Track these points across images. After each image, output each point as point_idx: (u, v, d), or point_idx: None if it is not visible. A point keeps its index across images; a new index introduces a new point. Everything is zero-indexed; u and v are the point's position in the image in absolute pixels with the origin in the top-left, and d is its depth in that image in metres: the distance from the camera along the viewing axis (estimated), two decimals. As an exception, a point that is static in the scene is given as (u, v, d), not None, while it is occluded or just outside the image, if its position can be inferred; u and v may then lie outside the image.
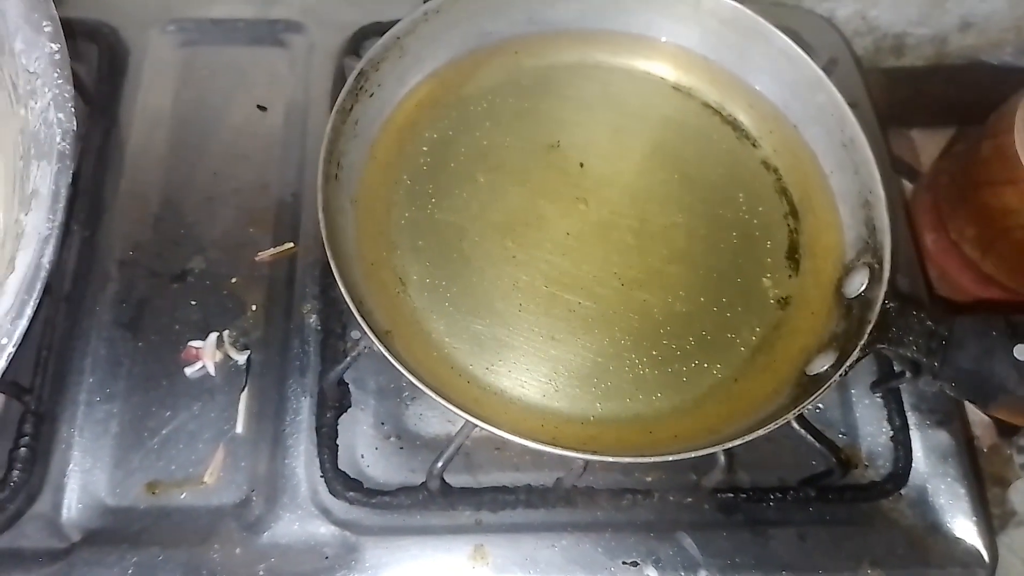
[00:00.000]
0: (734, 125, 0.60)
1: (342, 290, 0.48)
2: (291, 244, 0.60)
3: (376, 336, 0.47)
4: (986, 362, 0.44)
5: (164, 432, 0.54)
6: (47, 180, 0.45)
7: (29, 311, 0.42)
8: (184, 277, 0.58)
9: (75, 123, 0.46)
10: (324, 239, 0.49)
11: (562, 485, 0.52)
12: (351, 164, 0.55)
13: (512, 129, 0.59)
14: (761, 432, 0.45)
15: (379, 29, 0.67)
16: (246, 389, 0.55)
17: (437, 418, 0.56)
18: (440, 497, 0.52)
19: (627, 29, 0.62)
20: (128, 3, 0.69)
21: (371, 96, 0.56)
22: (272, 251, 0.60)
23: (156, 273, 0.58)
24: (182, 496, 0.52)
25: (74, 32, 0.60)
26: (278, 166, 0.63)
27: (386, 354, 0.46)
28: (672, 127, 0.60)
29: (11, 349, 0.41)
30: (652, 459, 0.46)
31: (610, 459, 0.46)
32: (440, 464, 0.49)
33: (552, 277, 0.55)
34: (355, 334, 0.58)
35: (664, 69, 0.62)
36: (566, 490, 0.53)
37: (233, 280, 0.59)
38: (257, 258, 0.60)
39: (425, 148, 0.59)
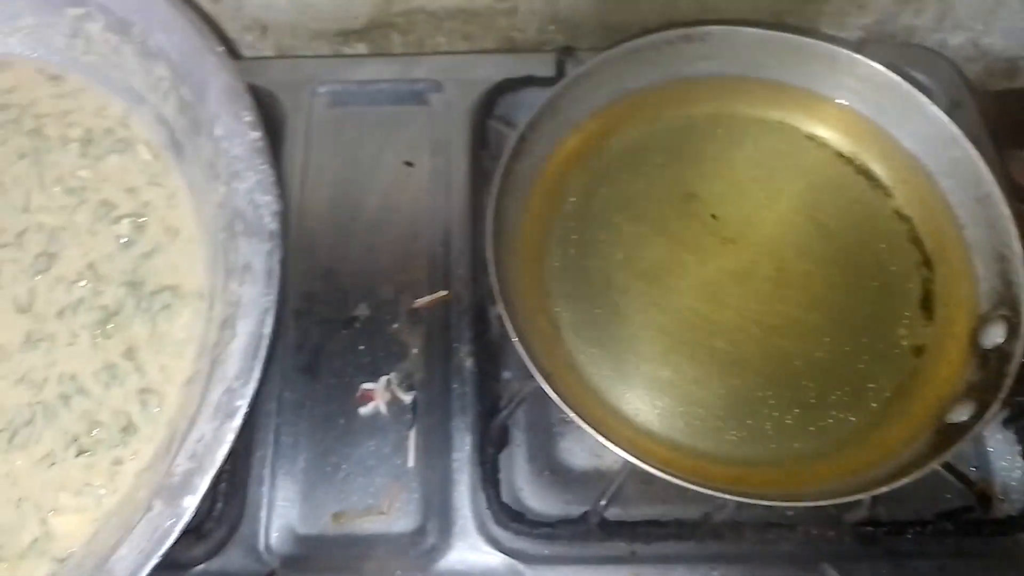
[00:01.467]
0: (867, 175, 0.63)
1: (513, 336, 0.53)
2: (445, 291, 0.65)
3: (542, 377, 0.52)
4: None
5: (345, 467, 0.60)
6: (260, 257, 0.51)
7: (257, 374, 0.48)
8: (352, 324, 0.64)
9: (280, 205, 0.52)
10: (496, 292, 0.54)
11: (711, 520, 0.57)
12: (509, 219, 0.60)
13: (652, 179, 0.64)
14: (909, 479, 0.49)
15: (511, 86, 0.73)
16: (414, 427, 0.61)
17: (585, 452, 0.61)
18: (598, 529, 0.57)
19: (762, 78, 0.65)
20: (280, 69, 0.75)
21: (527, 155, 0.61)
22: (428, 298, 0.65)
23: (327, 320, 0.64)
24: (364, 525, 0.58)
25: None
26: (428, 217, 0.68)
27: (552, 396, 0.51)
28: (806, 176, 0.64)
29: (245, 410, 0.47)
30: (803, 504, 0.50)
31: (764, 503, 0.50)
32: (604, 502, 0.54)
33: (694, 323, 0.59)
34: (507, 375, 0.63)
35: (798, 119, 0.65)
36: (714, 524, 0.57)
37: (395, 326, 0.64)
38: (415, 305, 0.65)
39: (572, 199, 0.63)
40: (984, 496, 0.56)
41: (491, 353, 0.63)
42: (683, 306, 0.60)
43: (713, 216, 0.62)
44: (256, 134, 0.54)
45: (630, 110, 0.65)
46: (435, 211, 0.69)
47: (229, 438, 0.46)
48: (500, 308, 0.54)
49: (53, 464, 0.52)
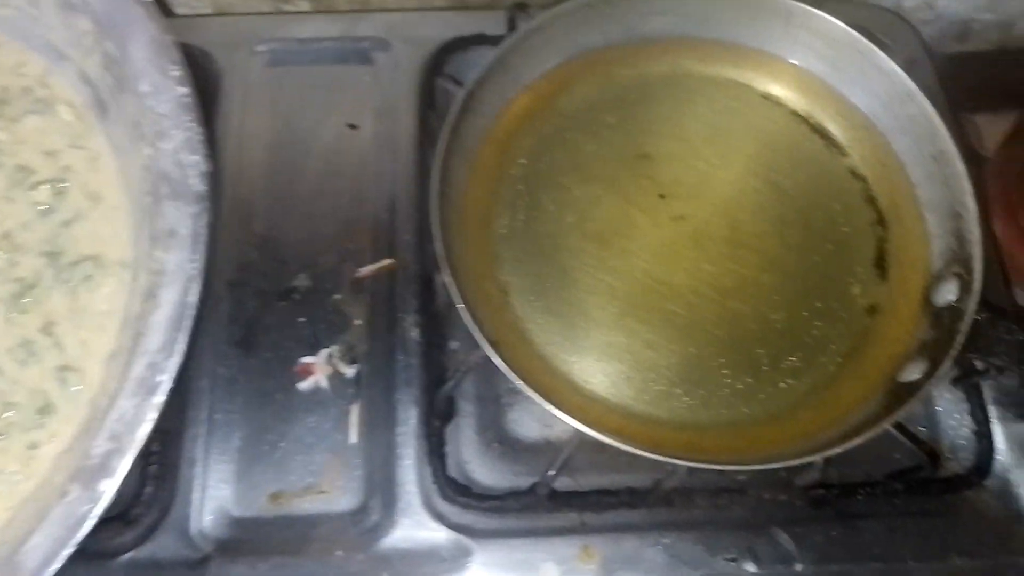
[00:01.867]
0: (822, 134, 0.62)
1: (458, 303, 0.50)
2: (390, 260, 0.63)
3: (489, 346, 0.49)
4: (1075, 373, 0.46)
5: (283, 445, 0.57)
6: (186, 221, 0.48)
7: (181, 347, 0.45)
8: (290, 295, 0.61)
9: (208, 165, 0.49)
10: (441, 255, 0.52)
11: (662, 487, 0.55)
12: (456, 180, 0.57)
13: (605, 139, 0.61)
14: (860, 440, 0.48)
15: (461, 44, 0.70)
16: (357, 401, 0.59)
17: (535, 422, 0.59)
18: (547, 500, 0.55)
19: (717, 36, 0.63)
20: (217, 27, 0.71)
21: (474, 113, 0.58)
22: (372, 267, 0.62)
23: (264, 292, 0.61)
24: (303, 505, 0.56)
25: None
26: (372, 182, 0.65)
27: (500, 364, 0.49)
28: (761, 136, 0.62)
29: (168, 385, 0.44)
30: (755, 467, 0.49)
31: (716, 467, 0.49)
32: (552, 472, 0.52)
33: (647, 286, 0.58)
34: (454, 345, 0.61)
35: (752, 78, 0.63)
36: (665, 491, 0.56)
37: (337, 296, 0.61)
38: (358, 274, 0.62)
39: (522, 160, 0.61)
40: (933, 455, 0.55)
41: (438, 323, 0.61)
42: (635, 269, 0.58)
43: (671, 175, 0.60)
44: (183, 90, 0.51)
45: (582, 69, 0.63)
46: (380, 176, 0.66)
47: (151, 416, 0.43)
48: (445, 274, 0.51)
49: (-37, 449, 0.49)
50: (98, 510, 0.41)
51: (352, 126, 0.68)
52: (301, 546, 0.54)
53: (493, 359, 0.49)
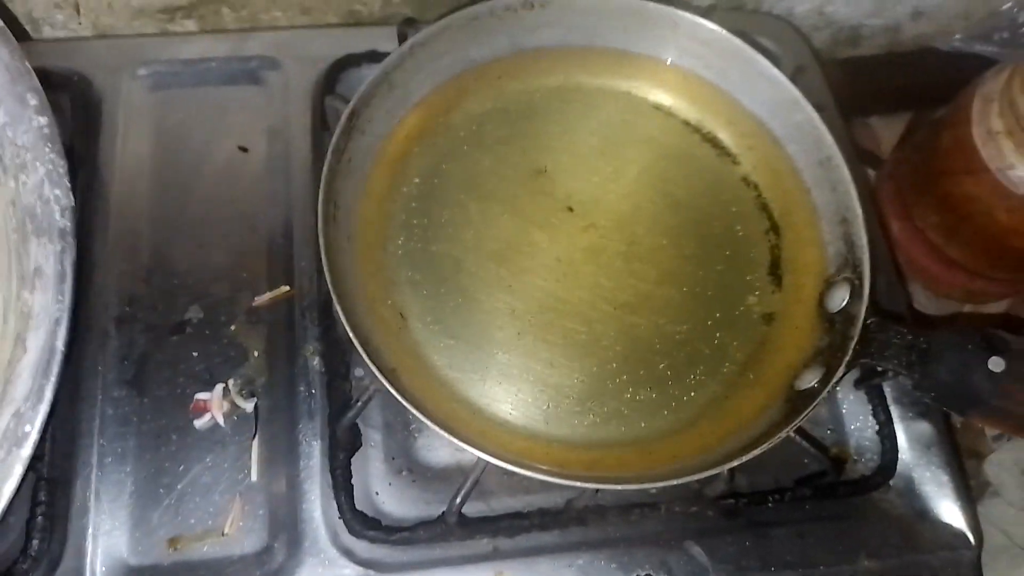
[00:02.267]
0: (714, 142, 0.62)
1: (349, 332, 0.49)
2: (287, 287, 0.61)
3: (383, 375, 0.48)
4: (963, 374, 0.47)
5: (179, 487, 0.55)
6: (50, 260, 0.45)
7: (48, 395, 0.42)
8: (183, 328, 0.59)
9: (72, 199, 0.46)
10: (329, 282, 0.50)
11: (573, 506, 0.55)
12: (346, 203, 0.56)
13: (500, 155, 0.61)
14: (760, 450, 0.48)
15: (353, 61, 0.68)
16: (256, 436, 0.56)
17: (446, 447, 0.58)
18: (458, 528, 0.54)
19: (606, 47, 0.63)
20: (96, 50, 0.68)
21: (362, 133, 0.57)
22: (269, 295, 0.60)
23: (154, 326, 0.59)
24: (204, 549, 0.53)
25: (46, 83, 0.59)
26: (266, 207, 0.63)
27: (395, 394, 0.48)
28: (654, 147, 0.62)
29: (35, 436, 0.41)
30: (660, 484, 0.48)
31: (619, 487, 0.48)
32: (459, 500, 0.51)
33: (546, 304, 0.57)
34: (359, 372, 0.59)
35: (643, 88, 0.64)
36: (577, 511, 0.55)
37: (232, 327, 0.59)
38: (254, 303, 0.60)
39: (416, 180, 0.60)
40: (837, 459, 0.56)
41: (340, 351, 0.59)
42: (534, 287, 0.57)
43: (566, 190, 0.60)
44: (43, 119, 0.48)
45: (473, 83, 0.62)
46: (274, 199, 0.64)
47: (18, 470, 0.41)
48: (336, 302, 0.50)
49: None
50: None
51: (243, 149, 0.66)
52: (202, 593, 0.52)
53: (388, 388, 0.48)
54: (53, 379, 0.43)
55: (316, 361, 0.58)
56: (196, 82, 0.67)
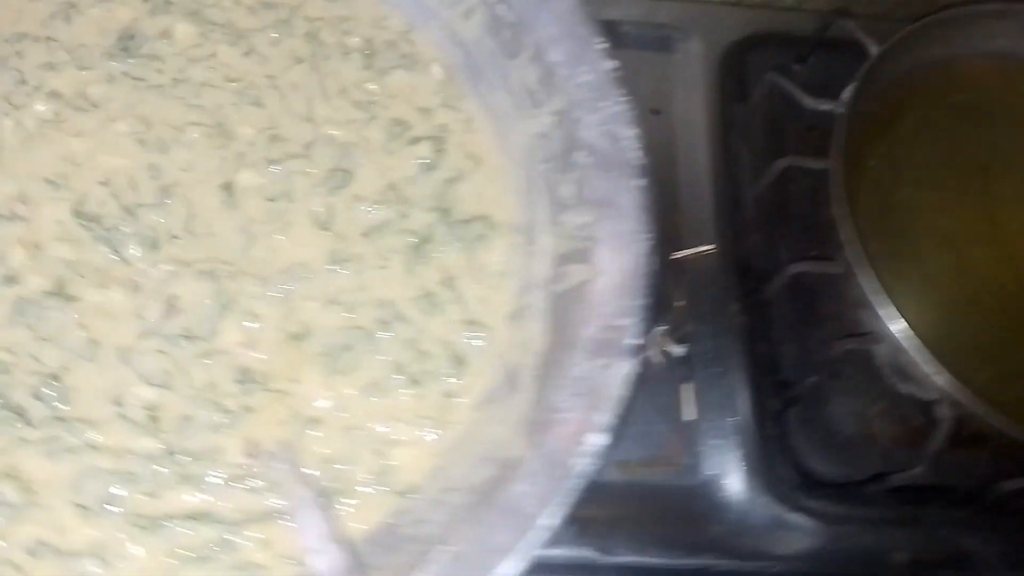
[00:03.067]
0: None
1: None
2: (711, 245, 0.64)
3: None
4: None
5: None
6: (626, 192, 0.49)
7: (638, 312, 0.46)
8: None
9: (640, 136, 0.50)
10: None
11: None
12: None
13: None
14: None
15: (759, 40, 0.72)
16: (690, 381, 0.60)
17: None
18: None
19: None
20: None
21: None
22: (691, 251, 0.64)
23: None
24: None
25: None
26: (684, 172, 0.67)
27: None
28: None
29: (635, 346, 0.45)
30: None
31: None
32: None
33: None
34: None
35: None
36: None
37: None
38: (674, 256, 0.64)
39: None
40: None
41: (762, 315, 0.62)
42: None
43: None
44: (610, 64, 0.52)
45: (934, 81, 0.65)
46: (691, 165, 0.67)
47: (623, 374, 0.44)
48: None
49: (381, 394, 0.49)
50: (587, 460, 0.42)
51: (655, 111, 0.69)
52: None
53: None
54: (638, 302, 0.46)
55: (738, 320, 0.62)
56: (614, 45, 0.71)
